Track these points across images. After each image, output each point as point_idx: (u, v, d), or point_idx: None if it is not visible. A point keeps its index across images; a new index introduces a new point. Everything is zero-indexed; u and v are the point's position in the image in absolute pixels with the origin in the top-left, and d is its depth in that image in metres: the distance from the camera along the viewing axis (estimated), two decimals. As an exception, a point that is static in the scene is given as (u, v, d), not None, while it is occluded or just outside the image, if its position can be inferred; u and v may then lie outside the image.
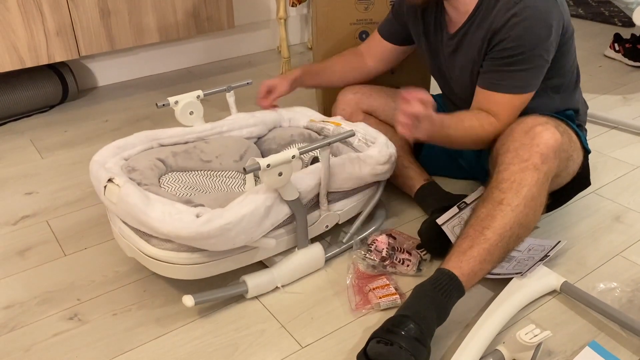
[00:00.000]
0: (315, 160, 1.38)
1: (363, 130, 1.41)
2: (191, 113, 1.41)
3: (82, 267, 1.32)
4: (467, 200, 1.33)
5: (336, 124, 1.46)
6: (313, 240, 1.30)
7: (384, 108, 1.53)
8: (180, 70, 2.54)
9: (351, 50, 1.61)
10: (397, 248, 1.27)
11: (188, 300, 1.11)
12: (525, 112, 1.26)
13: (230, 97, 1.50)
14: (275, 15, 2.69)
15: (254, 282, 1.20)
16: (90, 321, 1.16)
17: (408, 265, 1.25)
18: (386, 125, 1.53)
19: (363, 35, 1.73)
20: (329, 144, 1.18)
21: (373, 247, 1.26)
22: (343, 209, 1.31)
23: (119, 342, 1.11)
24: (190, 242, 1.08)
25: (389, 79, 1.67)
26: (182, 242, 1.09)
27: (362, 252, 1.27)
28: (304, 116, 1.55)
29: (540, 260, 1.20)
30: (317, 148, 1.16)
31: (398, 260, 1.25)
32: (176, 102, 1.38)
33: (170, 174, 1.32)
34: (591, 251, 1.33)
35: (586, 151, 1.33)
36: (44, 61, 1.97)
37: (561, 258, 1.30)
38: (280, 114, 1.54)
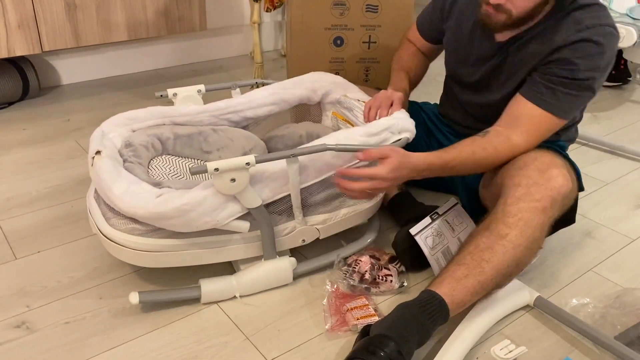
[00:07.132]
0: None
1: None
2: None
3: (34, 272, 1.24)
4: (440, 210, 1.30)
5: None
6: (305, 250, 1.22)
7: None
8: (149, 71, 2.47)
9: (408, 44, 1.49)
10: (378, 267, 1.22)
11: (133, 297, 1.09)
12: None
13: (236, 95, 1.44)
14: (249, 20, 2.65)
15: (210, 287, 1.14)
16: (39, 330, 1.08)
17: (391, 281, 1.19)
18: None
19: (337, 41, 1.70)
20: (294, 155, 1.07)
21: (357, 268, 1.19)
22: (324, 224, 1.22)
23: (69, 352, 1.04)
24: (149, 221, 1.06)
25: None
26: (144, 221, 1.06)
27: (342, 272, 1.20)
28: (339, 88, 1.39)
29: (514, 274, 1.17)
30: (278, 158, 1.07)
31: (381, 278, 1.19)
32: (175, 94, 1.36)
33: (164, 156, 1.28)
34: (563, 266, 1.32)
35: (579, 190, 1.27)
36: (3, 55, 1.87)
37: (534, 272, 1.28)
38: (312, 89, 1.39)
